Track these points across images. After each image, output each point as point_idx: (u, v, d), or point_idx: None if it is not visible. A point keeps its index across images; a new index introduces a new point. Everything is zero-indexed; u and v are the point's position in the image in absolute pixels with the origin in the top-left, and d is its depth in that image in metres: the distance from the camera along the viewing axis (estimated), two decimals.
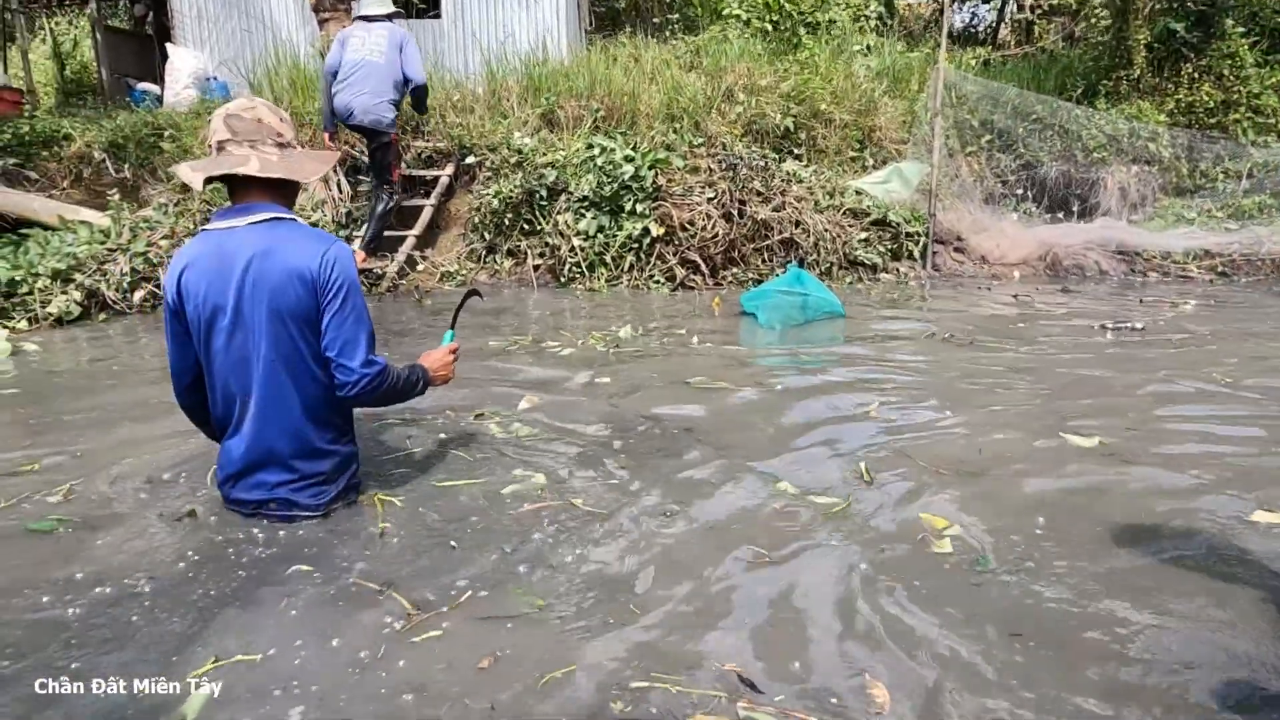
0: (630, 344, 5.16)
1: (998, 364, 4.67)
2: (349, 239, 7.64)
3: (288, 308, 2.38)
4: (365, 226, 7.51)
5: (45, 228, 6.86)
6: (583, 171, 7.83)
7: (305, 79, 8.78)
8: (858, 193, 8.43)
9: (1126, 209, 9.59)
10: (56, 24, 16.62)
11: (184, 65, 10.09)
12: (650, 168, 7.66)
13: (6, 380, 4.43)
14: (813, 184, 8.35)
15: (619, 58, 9.51)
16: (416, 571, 2.31)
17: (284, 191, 2.53)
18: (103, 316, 6.20)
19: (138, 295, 6.37)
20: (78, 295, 6.11)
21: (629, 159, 7.77)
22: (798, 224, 7.90)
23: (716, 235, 7.65)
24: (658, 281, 7.51)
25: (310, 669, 1.86)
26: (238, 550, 2.40)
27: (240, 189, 2.47)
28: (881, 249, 8.23)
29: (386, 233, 7.77)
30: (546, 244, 7.79)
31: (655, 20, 12.89)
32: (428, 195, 8.24)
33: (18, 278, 5.99)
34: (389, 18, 7.18)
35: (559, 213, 7.77)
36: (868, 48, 11.32)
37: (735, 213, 7.76)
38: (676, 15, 12.99)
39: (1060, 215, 9.64)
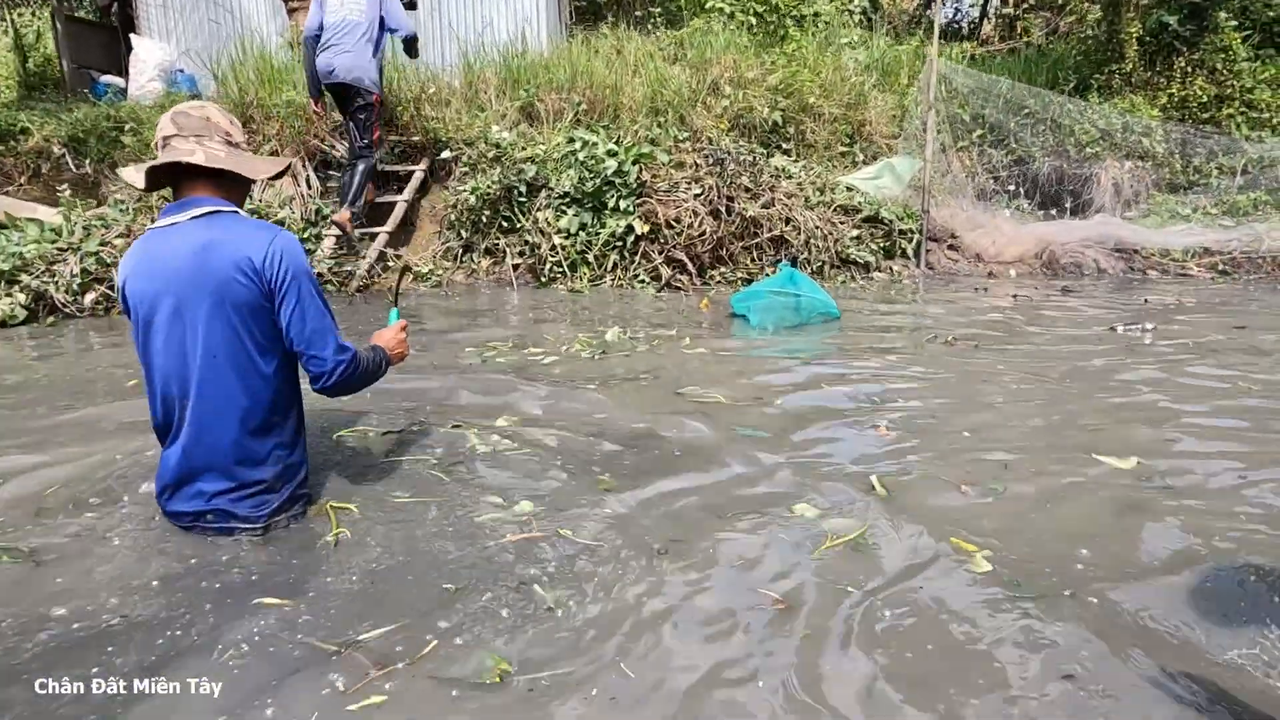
0: (617, 348, 4.84)
1: (1008, 369, 4.39)
2: (318, 237, 7.28)
3: (233, 300, 2.25)
4: (343, 185, 7.20)
5: None
6: (563, 166, 7.50)
7: (272, 71, 8.38)
8: (848, 189, 8.16)
9: (1120, 205, 9.38)
10: (20, 15, 16.07)
11: (149, 57, 9.67)
12: (634, 163, 7.33)
13: None
14: (802, 180, 8.06)
15: (601, 50, 9.18)
16: (364, 611, 2.00)
17: (230, 190, 2.40)
18: (51, 320, 5.80)
19: (89, 297, 5.98)
20: (23, 298, 5.71)
21: (612, 154, 7.44)
22: (788, 221, 7.61)
23: (704, 233, 7.34)
24: (643, 281, 7.19)
25: None
26: (164, 577, 2.08)
27: (185, 184, 2.35)
28: (874, 247, 7.95)
29: (358, 230, 7.42)
30: (526, 242, 7.45)
31: (638, 14, 12.56)
32: (400, 191, 7.87)
33: None
34: None
35: (539, 210, 7.44)
36: (851, 43, 11.05)
37: (723, 209, 7.45)
38: (659, 9, 12.68)
39: (1054, 212, 9.42)
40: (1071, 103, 9.90)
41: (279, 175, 2.57)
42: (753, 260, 7.54)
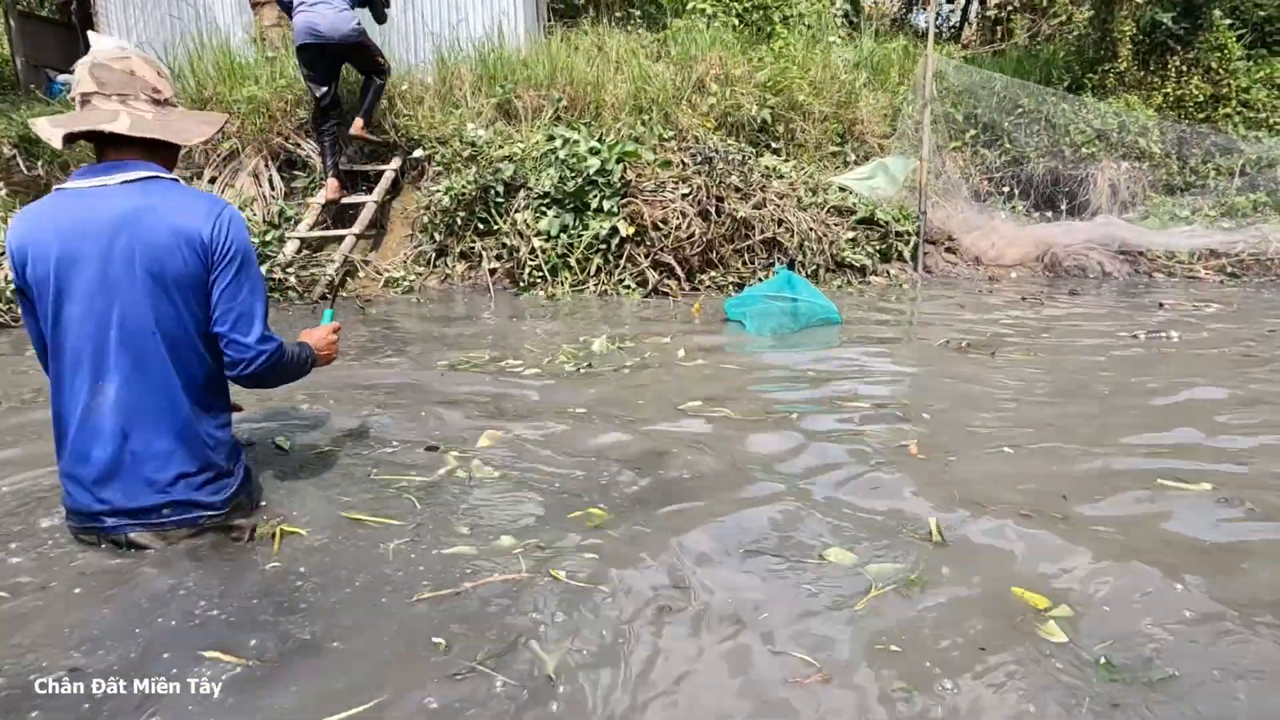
0: (605, 360, 4.41)
1: (1035, 380, 4.01)
2: (280, 240, 6.81)
3: (173, 274, 2.05)
4: (361, 103, 7.22)
5: None
6: (543, 165, 7.07)
7: (232, 65, 7.90)
8: (841, 189, 7.79)
9: (1117, 207, 9.09)
10: None
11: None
12: (618, 161, 6.91)
13: None
14: (794, 180, 7.69)
15: (581, 46, 8.76)
16: (330, 679, 1.61)
17: (161, 154, 2.20)
18: None
19: None
20: None
21: (594, 152, 7.02)
22: (780, 222, 7.22)
23: (692, 235, 6.93)
24: (628, 287, 6.76)
25: None
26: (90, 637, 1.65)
27: (109, 147, 2.13)
28: (870, 250, 7.58)
29: (321, 231, 7.01)
30: (504, 245, 7.00)
31: (618, 14, 12.15)
32: (370, 191, 7.41)
33: None
34: None
35: (517, 211, 7.00)
36: (838, 42, 10.72)
37: (712, 210, 7.05)
38: (638, 10, 12.28)
39: (1049, 214, 9.12)
40: (1066, 101, 9.61)
41: (211, 139, 2.36)
42: (744, 263, 7.14)
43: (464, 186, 6.96)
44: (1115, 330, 5.26)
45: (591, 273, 6.83)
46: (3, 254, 5.41)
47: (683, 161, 7.28)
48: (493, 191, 6.97)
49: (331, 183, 7.06)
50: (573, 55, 8.37)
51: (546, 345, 4.78)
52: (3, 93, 11.41)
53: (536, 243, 6.85)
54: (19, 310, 2.17)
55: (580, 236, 6.83)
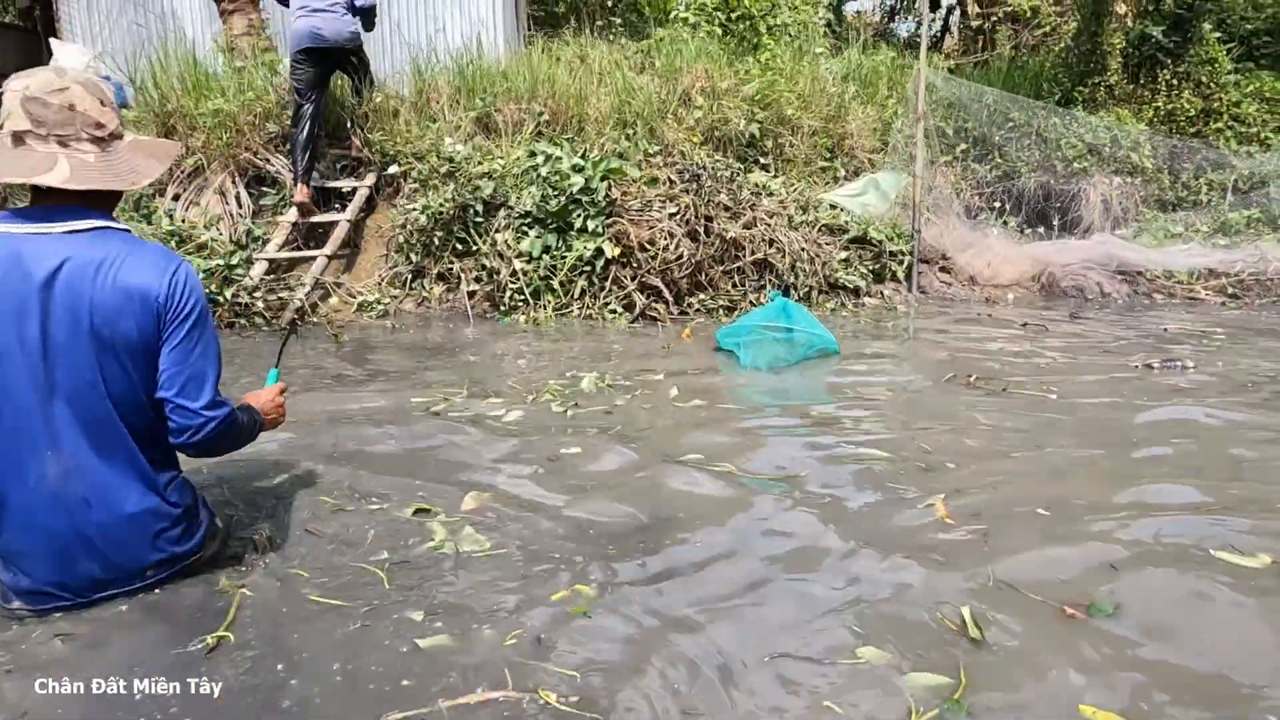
0: (595, 399, 4.12)
1: (1054, 422, 3.75)
2: (248, 261, 6.46)
3: (123, 337, 1.93)
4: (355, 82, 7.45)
5: None
6: (524, 183, 6.78)
7: (198, 76, 7.55)
8: (832, 206, 7.55)
9: (1110, 222, 8.92)
10: None
11: (71, 63, 8.74)
12: (602, 179, 6.63)
13: None
14: (784, 197, 7.44)
15: (563, 57, 8.47)
16: None
17: (105, 197, 2.05)
18: None
19: None
20: None
21: (578, 169, 6.73)
22: (771, 242, 6.96)
23: (680, 256, 6.65)
24: (614, 311, 6.46)
25: None
26: None
27: (46, 190, 1.96)
28: (864, 270, 7.34)
29: (291, 252, 6.69)
30: (483, 267, 6.69)
31: (599, 24, 11.88)
32: (343, 209, 7.08)
33: None
34: None
35: (497, 230, 6.69)
36: (825, 53, 10.51)
37: (701, 230, 6.78)
38: (619, 20, 12.02)
39: (1041, 230, 8.93)
40: (1057, 115, 9.44)
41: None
42: (734, 285, 6.87)
43: (442, 205, 6.64)
44: (1127, 354, 5.04)
45: (575, 296, 6.53)
46: None
47: (670, 179, 7.01)
48: (472, 210, 6.67)
49: (301, 189, 6.77)
50: (554, 66, 8.08)
51: (529, 381, 4.48)
52: None
53: (518, 264, 6.55)
54: None
55: (563, 258, 6.54)
